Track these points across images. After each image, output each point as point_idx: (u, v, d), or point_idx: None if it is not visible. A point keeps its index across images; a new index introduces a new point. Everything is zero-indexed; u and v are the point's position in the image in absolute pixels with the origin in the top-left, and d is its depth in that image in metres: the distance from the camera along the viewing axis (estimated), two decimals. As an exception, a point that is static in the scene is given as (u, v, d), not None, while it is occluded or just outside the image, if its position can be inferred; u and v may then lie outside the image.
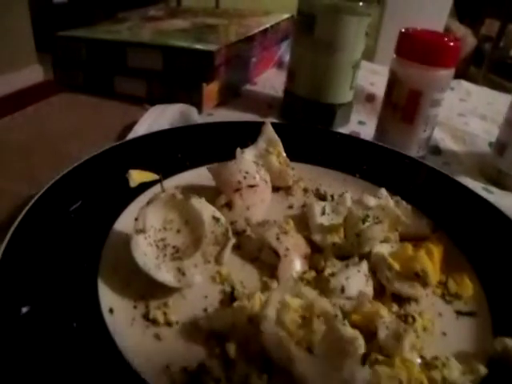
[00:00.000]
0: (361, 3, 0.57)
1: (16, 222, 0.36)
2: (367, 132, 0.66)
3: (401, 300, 0.37)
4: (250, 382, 0.29)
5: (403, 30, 0.56)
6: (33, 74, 2.36)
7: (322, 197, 0.49)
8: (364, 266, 0.37)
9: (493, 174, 0.58)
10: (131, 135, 0.55)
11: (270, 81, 0.82)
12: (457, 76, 0.99)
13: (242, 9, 1.02)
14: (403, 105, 0.56)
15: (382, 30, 2.22)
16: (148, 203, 0.35)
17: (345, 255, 0.39)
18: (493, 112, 0.83)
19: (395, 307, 0.36)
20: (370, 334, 0.32)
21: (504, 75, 2.88)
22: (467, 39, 2.90)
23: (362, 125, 0.70)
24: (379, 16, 2.24)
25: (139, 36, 0.71)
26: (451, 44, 0.53)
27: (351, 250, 0.39)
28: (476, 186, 0.56)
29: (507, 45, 2.97)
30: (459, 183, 0.51)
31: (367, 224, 0.38)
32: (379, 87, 0.78)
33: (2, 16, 2.25)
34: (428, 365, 0.32)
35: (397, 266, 0.37)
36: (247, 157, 0.45)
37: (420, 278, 0.36)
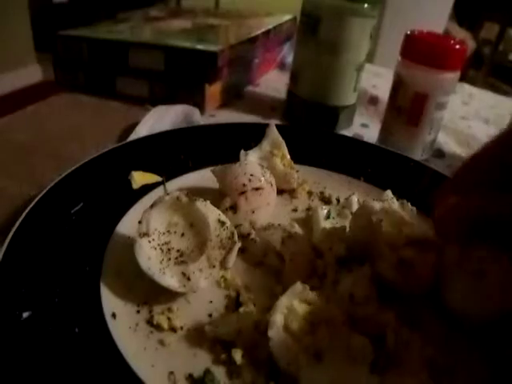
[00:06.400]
0: (366, 5, 0.56)
1: (16, 224, 0.35)
2: (370, 135, 0.65)
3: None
4: (256, 389, 0.28)
5: (409, 33, 0.55)
6: (32, 73, 2.35)
7: (326, 200, 0.48)
8: (368, 270, 0.36)
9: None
10: (133, 136, 0.54)
11: (273, 82, 0.82)
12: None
13: (243, 9, 1.02)
14: (408, 107, 0.56)
15: (382, 32, 2.22)
16: (152, 206, 0.34)
17: (346, 259, 0.38)
18: (495, 115, 0.83)
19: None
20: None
21: (503, 78, 2.88)
22: (466, 42, 2.91)
23: (364, 127, 0.69)
24: (379, 18, 2.24)
25: (141, 36, 0.70)
26: (457, 47, 0.53)
27: (349, 254, 0.38)
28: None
29: (506, 48, 2.97)
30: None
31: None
32: (382, 90, 0.77)
33: (2, 16, 2.24)
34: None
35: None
36: (251, 159, 0.45)
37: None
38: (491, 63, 2.90)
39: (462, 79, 1.09)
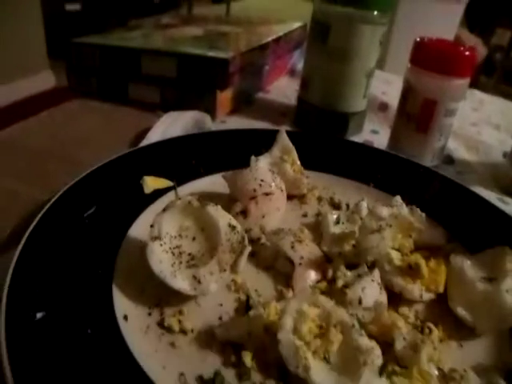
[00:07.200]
0: (375, 12, 0.57)
1: (30, 228, 0.36)
2: (380, 141, 0.66)
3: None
4: (265, 392, 0.28)
5: (418, 39, 0.56)
6: (45, 80, 2.38)
7: (336, 205, 0.48)
8: (377, 274, 0.37)
9: (508, 184, 0.58)
10: (145, 142, 0.55)
11: (283, 89, 0.82)
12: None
13: (254, 17, 1.03)
14: (418, 114, 0.56)
15: (392, 38, 2.21)
16: (164, 210, 0.35)
17: (354, 264, 0.39)
18: (506, 122, 0.83)
19: (412, 318, 0.36)
20: (386, 345, 0.31)
21: (515, 85, 2.86)
22: (477, 48, 2.89)
23: (374, 134, 0.70)
24: (389, 25, 2.24)
25: (153, 43, 0.71)
26: (467, 53, 0.53)
27: (358, 258, 0.39)
28: (490, 196, 0.55)
29: (518, 55, 2.96)
30: (475, 194, 0.50)
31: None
32: (392, 96, 0.78)
33: (16, 23, 2.28)
34: (446, 376, 0.31)
35: (396, 260, 0.37)
36: (262, 165, 0.45)
37: (413, 271, 0.36)
38: (503, 69, 2.88)
39: (474, 85, 1.09)
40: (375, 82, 0.81)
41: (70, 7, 3.12)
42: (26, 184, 0.48)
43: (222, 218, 0.35)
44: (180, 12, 3.34)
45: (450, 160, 0.65)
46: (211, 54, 0.65)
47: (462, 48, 0.54)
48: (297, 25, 0.93)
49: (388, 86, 0.87)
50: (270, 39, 0.79)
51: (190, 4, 3.23)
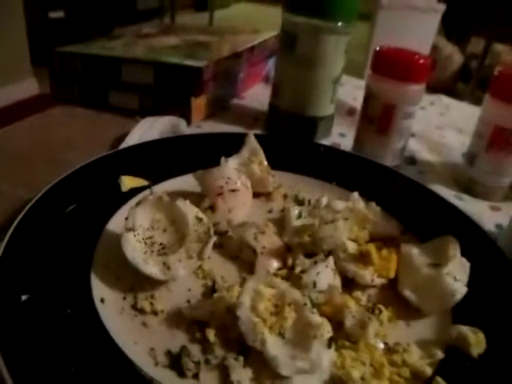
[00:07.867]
0: (339, 23, 0.61)
1: (16, 221, 0.39)
2: (347, 143, 0.70)
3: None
4: (226, 364, 0.32)
5: (378, 49, 0.60)
6: (28, 87, 2.39)
7: (300, 202, 0.52)
8: (331, 261, 0.40)
9: (464, 182, 0.62)
10: (123, 145, 0.58)
11: (257, 95, 0.86)
12: (445, 91, 1.04)
13: (232, 26, 1.06)
14: (378, 117, 0.60)
15: (372, 47, 2.27)
16: (137, 204, 0.38)
17: (313, 253, 0.42)
18: (470, 126, 0.87)
19: (364, 300, 0.39)
20: (338, 324, 0.35)
21: (490, 91, 2.93)
22: (454, 56, 2.97)
23: (342, 137, 0.74)
24: (369, 34, 2.31)
25: (133, 52, 0.74)
26: (421, 61, 0.57)
27: (315, 248, 0.42)
28: (448, 193, 0.60)
29: (492, 63, 3.03)
30: (430, 190, 0.54)
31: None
32: (360, 102, 0.82)
33: (-1, 32, 2.29)
34: (390, 350, 0.35)
35: (351, 249, 0.41)
36: (230, 165, 0.49)
37: (364, 258, 0.41)
38: (478, 76, 2.96)
39: (451, 92, 1.13)
40: (348, 89, 0.85)
41: (53, 15, 3.13)
42: (11, 184, 0.51)
43: (189, 211, 0.39)
44: (163, 20, 3.37)
45: (412, 161, 0.70)
46: (186, 62, 0.69)
47: (417, 56, 0.58)
48: (271, 34, 0.96)
49: (359, 92, 0.91)
50: (244, 48, 0.82)
51: (173, 12, 3.26)
